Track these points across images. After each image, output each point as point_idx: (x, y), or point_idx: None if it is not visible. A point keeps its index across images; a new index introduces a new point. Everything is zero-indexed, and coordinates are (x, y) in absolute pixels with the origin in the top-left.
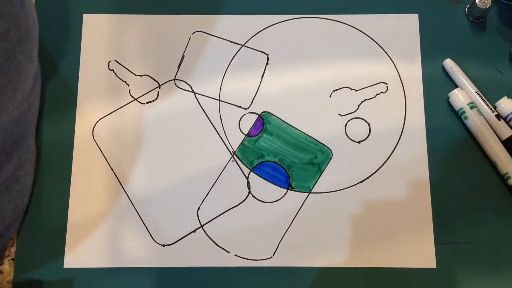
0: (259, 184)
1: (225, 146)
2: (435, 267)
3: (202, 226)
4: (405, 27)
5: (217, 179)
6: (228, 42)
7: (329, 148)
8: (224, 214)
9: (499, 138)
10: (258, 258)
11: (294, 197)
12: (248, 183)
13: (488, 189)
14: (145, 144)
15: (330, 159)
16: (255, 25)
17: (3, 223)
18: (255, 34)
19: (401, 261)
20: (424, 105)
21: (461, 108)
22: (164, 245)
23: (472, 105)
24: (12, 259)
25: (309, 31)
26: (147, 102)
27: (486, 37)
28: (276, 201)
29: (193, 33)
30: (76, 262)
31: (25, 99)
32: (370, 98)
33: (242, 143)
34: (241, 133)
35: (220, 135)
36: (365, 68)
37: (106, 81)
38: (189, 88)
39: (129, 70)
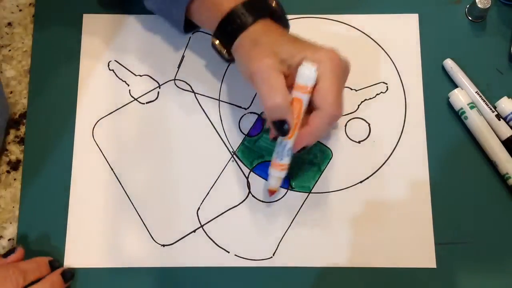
0: (259, 184)
1: (225, 146)
2: (435, 267)
3: (202, 226)
4: (405, 27)
5: (217, 179)
6: None
7: (329, 148)
8: (224, 214)
9: (499, 138)
10: (258, 258)
11: (294, 197)
12: (248, 183)
13: (488, 189)
14: (145, 144)
15: (330, 159)
16: None
17: None
18: None
19: (401, 261)
20: (424, 105)
21: (461, 108)
22: (164, 245)
23: (472, 105)
24: None
25: (309, 31)
26: (147, 102)
27: (486, 37)
28: (276, 201)
29: (193, 33)
30: (76, 262)
31: None
32: (370, 98)
33: (242, 143)
34: (241, 133)
35: (220, 135)
36: (365, 68)
37: (106, 81)
38: (189, 88)
39: (129, 70)
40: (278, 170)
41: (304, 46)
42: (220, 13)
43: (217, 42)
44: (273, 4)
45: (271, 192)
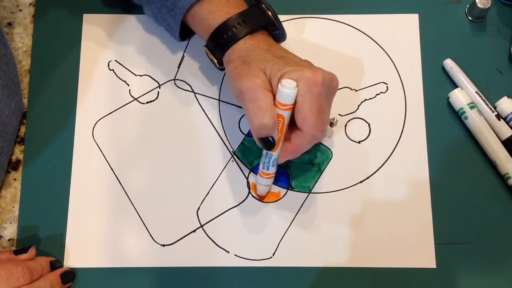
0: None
1: (225, 146)
2: (435, 267)
3: (202, 226)
4: (405, 27)
5: (217, 179)
6: None
7: (329, 148)
8: (224, 214)
9: (499, 138)
10: (258, 258)
11: (294, 197)
12: (248, 183)
13: (488, 189)
14: (145, 144)
15: (330, 159)
16: None
17: None
18: None
19: (401, 261)
20: (424, 105)
21: (461, 108)
22: (164, 245)
23: (472, 105)
24: None
25: (309, 31)
26: (147, 102)
27: (486, 37)
28: (276, 201)
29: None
30: (76, 262)
31: None
32: (370, 98)
33: (242, 143)
34: (241, 133)
35: (220, 135)
36: (365, 68)
37: (106, 81)
38: (189, 88)
39: (129, 70)
40: (265, 179)
41: (287, 64)
42: (212, 24)
43: (208, 51)
44: (269, 14)
45: (261, 197)
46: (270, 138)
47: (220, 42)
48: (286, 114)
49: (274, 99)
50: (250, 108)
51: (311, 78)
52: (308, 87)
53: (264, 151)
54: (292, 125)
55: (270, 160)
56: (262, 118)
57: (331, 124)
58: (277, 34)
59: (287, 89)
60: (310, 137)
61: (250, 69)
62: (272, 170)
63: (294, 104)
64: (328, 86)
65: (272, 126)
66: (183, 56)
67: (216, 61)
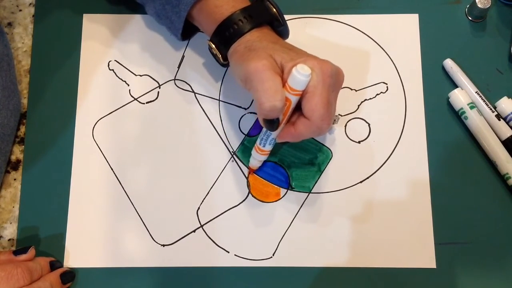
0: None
1: (225, 146)
2: (435, 267)
3: (202, 226)
4: (405, 27)
5: (217, 179)
6: None
7: (329, 148)
8: (224, 214)
9: (499, 138)
10: (258, 258)
11: (294, 197)
12: (248, 183)
13: (488, 189)
14: (145, 144)
15: (330, 159)
16: None
17: None
18: None
19: (401, 261)
20: (424, 105)
21: (461, 108)
22: (164, 245)
23: (472, 105)
24: None
25: (309, 31)
26: (147, 102)
27: (486, 37)
28: (276, 201)
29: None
30: (76, 262)
31: None
32: (370, 98)
33: (242, 143)
34: (241, 133)
35: (220, 135)
36: (365, 68)
37: (106, 81)
38: (189, 88)
39: (129, 70)
40: (259, 154)
41: (298, 54)
42: (218, 18)
43: (213, 46)
44: (273, 11)
45: (251, 170)
46: (275, 119)
47: (225, 36)
48: (294, 99)
49: (283, 83)
50: (260, 89)
51: (322, 68)
52: (320, 77)
53: (264, 129)
54: (299, 110)
55: (268, 138)
56: (274, 100)
57: (333, 121)
58: (281, 31)
59: (302, 76)
60: (315, 128)
61: (257, 53)
62: (268, 147)
63: (302, 91)
64: (336, 79)
65: (281, 109)
66: (183, 56)
67: (220, 56)
